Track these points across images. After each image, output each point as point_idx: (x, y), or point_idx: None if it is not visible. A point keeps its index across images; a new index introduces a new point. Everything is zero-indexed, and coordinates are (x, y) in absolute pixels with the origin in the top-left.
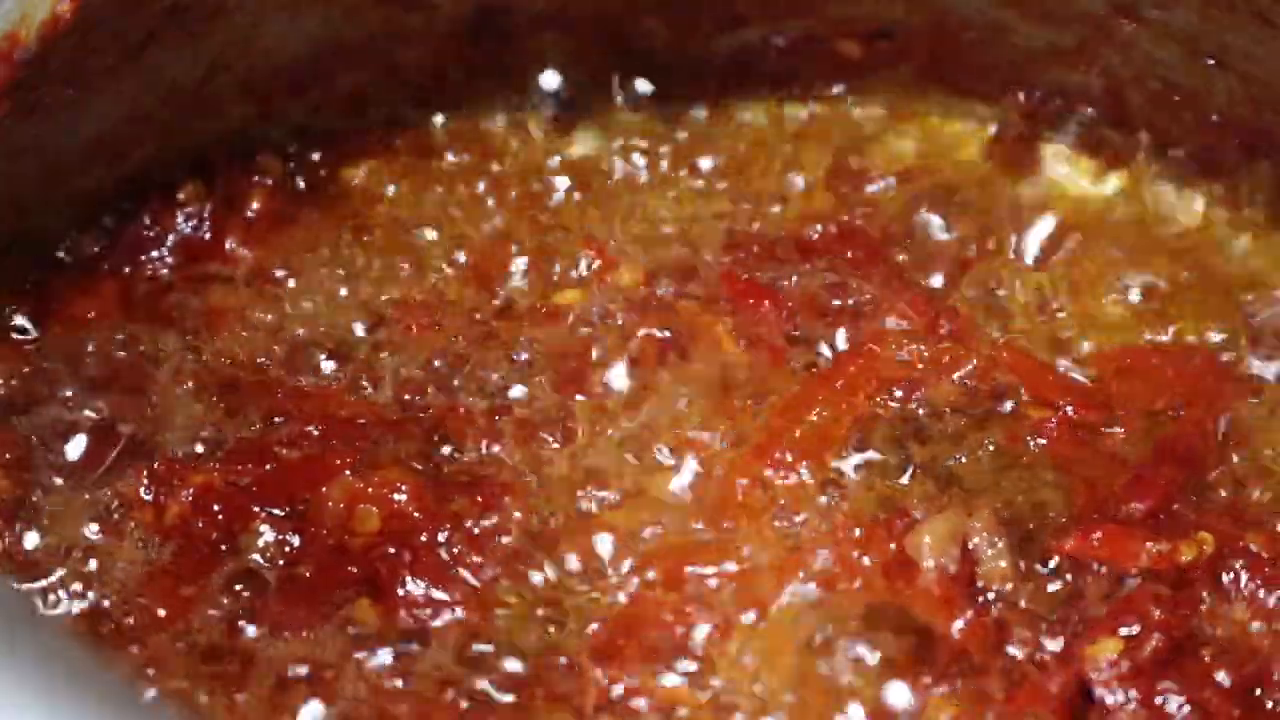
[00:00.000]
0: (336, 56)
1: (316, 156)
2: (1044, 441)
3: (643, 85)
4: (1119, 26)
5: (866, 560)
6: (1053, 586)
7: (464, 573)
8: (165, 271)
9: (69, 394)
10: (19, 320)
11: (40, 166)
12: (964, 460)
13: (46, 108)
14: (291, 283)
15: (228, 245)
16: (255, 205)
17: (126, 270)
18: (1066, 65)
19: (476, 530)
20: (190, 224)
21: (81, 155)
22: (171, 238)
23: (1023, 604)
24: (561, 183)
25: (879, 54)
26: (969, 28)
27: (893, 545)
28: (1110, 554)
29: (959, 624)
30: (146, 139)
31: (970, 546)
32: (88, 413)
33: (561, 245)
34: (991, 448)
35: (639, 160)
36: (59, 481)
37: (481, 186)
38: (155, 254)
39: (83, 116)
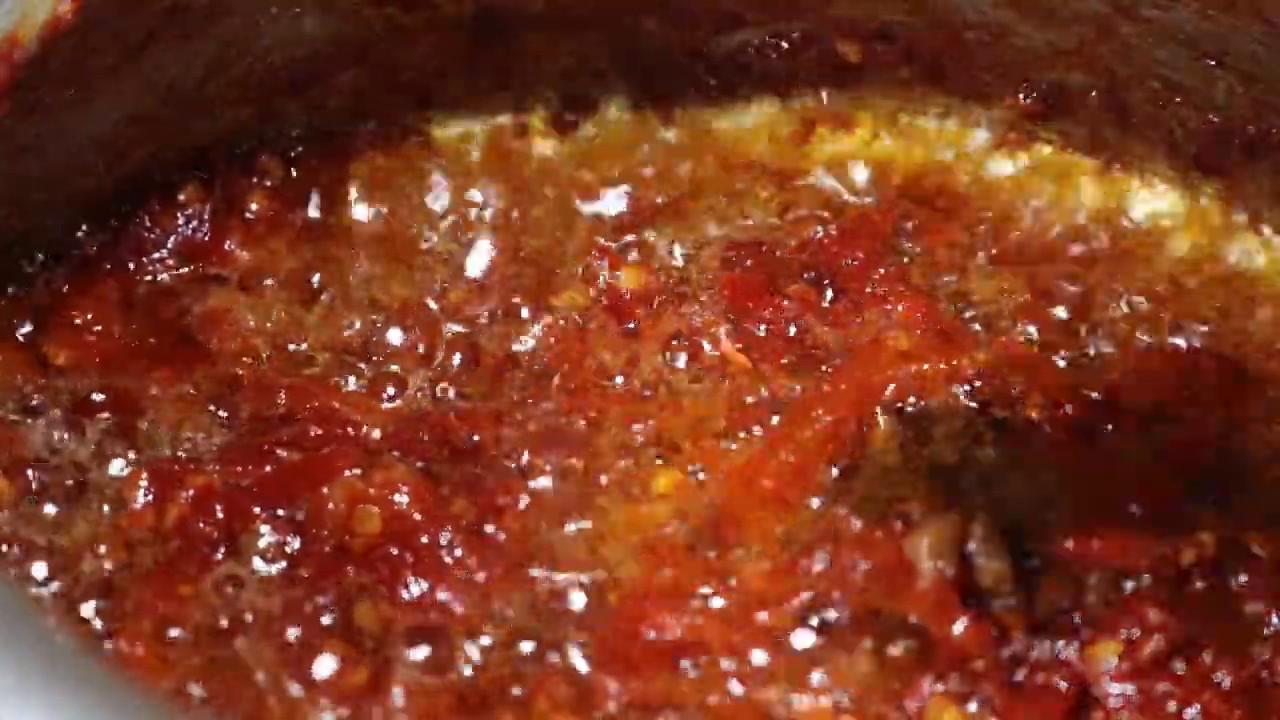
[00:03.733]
0: (336, 56)
1: (316, 157)
2: (1044, 442)
3: (642, 85)
4: (1119, 26)
5: (865, 563)
6: (1052, 589)
7: (465, 574)
8: (165, 274)
9: (69, 395)
10: (19, 320)
11: (40, 166)
12: (963, 461)
13: (46, 108)
14: (291, 284)
15: (227, 246)
16: (255, 206)
17: (126, 271)
18: (1066, 65)
19: (477, 532)
20: (190, 225)
21: (81, 155)
22: (171, 239)
23: (1022, 606)
24: (562, 183)
25: (879, 55)
26: (969, 28)
27: (891, 548)
28: (1110, 556)
29: (958, 627)
30: (146, 139)
31: (968, 549)
32: (87, 414)
33: (563, 246)
34: (991, 449)
35: (639, 161)
36: (59, 482)
37: (482, 187)
38: (155, 255)
39: (83, 116)
